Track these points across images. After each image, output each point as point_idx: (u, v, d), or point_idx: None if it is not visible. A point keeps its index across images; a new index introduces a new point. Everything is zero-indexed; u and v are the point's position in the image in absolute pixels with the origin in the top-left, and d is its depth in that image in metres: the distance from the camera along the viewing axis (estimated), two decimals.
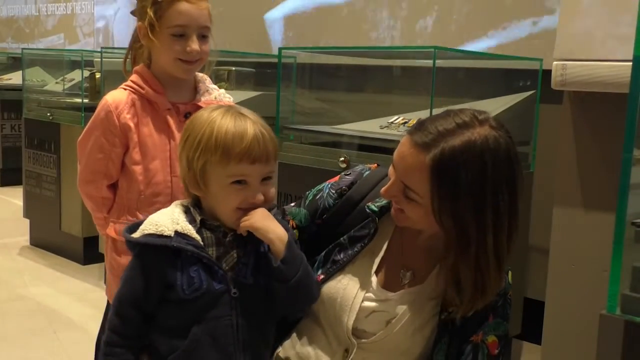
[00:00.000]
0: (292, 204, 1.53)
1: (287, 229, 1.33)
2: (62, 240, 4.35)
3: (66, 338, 3.11)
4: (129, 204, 1.79)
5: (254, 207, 1.29)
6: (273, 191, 1.33)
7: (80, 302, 3.60)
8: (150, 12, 1.70)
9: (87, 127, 1.81)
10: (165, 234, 1.27)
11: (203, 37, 1.75)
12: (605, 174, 2.12)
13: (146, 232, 1.29)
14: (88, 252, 4.19)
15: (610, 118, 2.09)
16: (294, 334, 1.44)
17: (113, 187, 1.83)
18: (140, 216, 1.75)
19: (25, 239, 4.65)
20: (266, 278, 1.30)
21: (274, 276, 1.28)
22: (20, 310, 3.43)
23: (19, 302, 3.55)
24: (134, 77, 1.80)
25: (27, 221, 4.63)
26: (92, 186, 1.81)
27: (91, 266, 4.16)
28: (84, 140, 1.80)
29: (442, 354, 1.33)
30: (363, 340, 1.35)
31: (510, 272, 1.39)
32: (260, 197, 1.29)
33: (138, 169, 1.76)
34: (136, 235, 1.30)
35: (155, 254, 1.28)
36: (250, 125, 1.28)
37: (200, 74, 1.86)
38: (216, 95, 1.84)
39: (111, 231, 1.81)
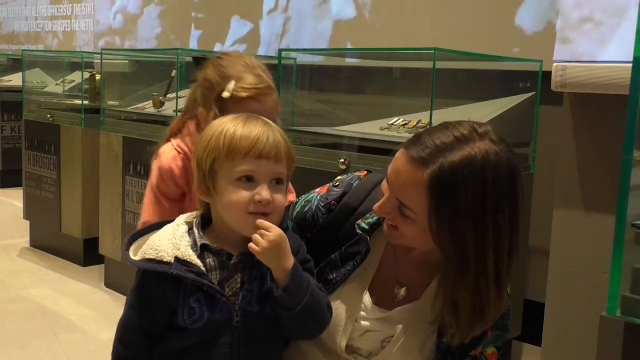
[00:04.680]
0: None
1: (299, 245, 1.30)
2: (62, 241, 4.35)
3: (66, 340, 3.11)
4: None
5: (263, 210, 1.24)
6: (282, 199, 1.27)
7: (80, 303, 3.60)
8: (215, 109, 1.66)
9: (148, 186, 1.82)
10: (165, 259, 1.22)
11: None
12: (605, 175, 2.12)
13: (147, 256, 1.24)
14: (88, 253, 4.18)
15: (610, 119, 2.09)
16: (291, 345, 1.40)
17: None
18: None
19: (25, 240, 4.65)
20: (273, 305, 1.25)
21: (277, 304, 1.24)
22: (20, 312, 3.43)
23: (19, 304, 3.55)
24: (187, 139, 1.80)
25: (27, 223, 4.63)
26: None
27: (91, 268, 4.16)
28: (147, 199, 1.81)
29: None
30: (360, 357, 1.33)
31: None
32: (266, 195, 1.22)
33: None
34: (137, 257, 1.26)
35: (157, 280, 1.24)
36: (261, 125, 1.26)
37: None
38: None
39: None
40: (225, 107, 1.65)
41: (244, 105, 1.63)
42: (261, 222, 1.23)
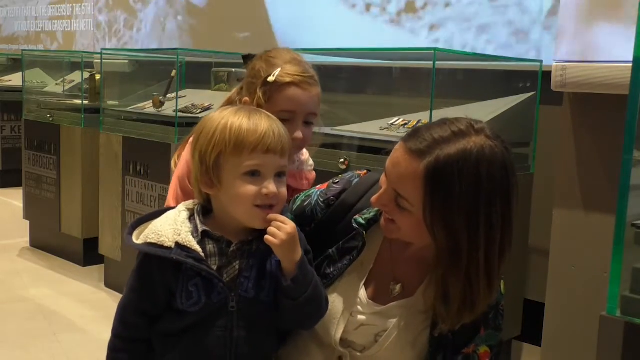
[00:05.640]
0: None
1: (300, 238, 1.31)
2: (62, 241, 4.35)
3: (66, 340, 3.11)
4: None
5: (270, 203, 1.26)
6: (285, 191, 1.30)
7: (80, 303, 3.60)
8: (259, 93, 1.64)
9: (175, 174, 1.77)
10: (166, 245, 1.25)
11: (308, 123, 1.67)
12: (605, 175, 2.12)
13: (148, 240, 1.27)
14: (88, 253, 4.18)
15: (610, 119, 2.09)
16: (288, 341, 1.42)
17: None
18: None
19: (25, 240, 4.65)
20: (270, 293, 1.29)
21: (283, 293, 1.27)
22: (20, 312, 3.43)
23: (19, 304, 3.55)
24: None
25: (27, 223, 4.63)
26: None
27: (91, 268, 4.16)
28: (172, 186, 1.77)
29: None
30: (354, 351, 1.34)
31: (502, 281, 1.36)
32: (273, 189, 1.26)
33: None
34: (139, 241, 1.29)
35: (157, 263, 1.27)
36: (265, 119, 1.28)
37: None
38: (298, 166, 1.78)
39: None
40: (269, 93, 1.63)
41: (287, 91, 1.62)
42: (275, 215, 1.27)
